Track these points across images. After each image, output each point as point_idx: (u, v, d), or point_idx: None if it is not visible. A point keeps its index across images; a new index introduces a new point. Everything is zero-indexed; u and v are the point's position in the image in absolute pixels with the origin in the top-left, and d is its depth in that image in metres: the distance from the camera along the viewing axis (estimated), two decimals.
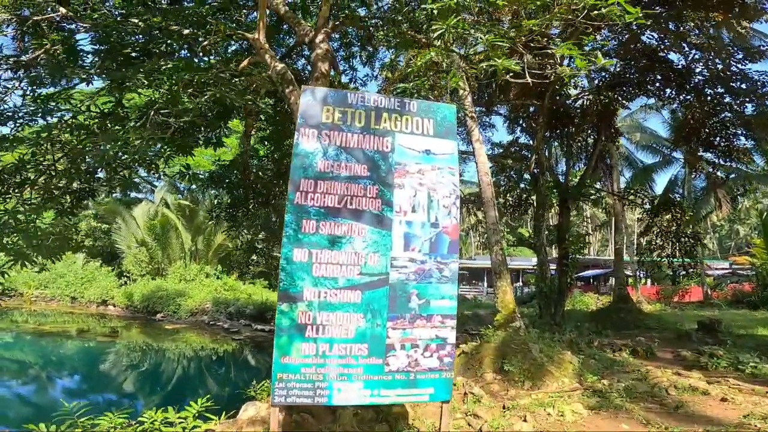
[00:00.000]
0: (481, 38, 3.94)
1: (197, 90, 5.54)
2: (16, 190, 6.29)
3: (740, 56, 11.13)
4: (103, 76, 6.07)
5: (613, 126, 15.14)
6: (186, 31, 6.24)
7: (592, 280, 32.21)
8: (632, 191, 18.08)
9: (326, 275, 3.28)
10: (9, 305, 23.95)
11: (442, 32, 4.09)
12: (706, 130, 13.50)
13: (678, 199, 16.64)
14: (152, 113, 5.33)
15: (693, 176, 19.60)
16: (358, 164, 3.53)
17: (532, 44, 4.42)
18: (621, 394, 5.98)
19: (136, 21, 6.05)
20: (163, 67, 5.42)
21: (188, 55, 6.75)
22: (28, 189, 6.36)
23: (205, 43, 6.24)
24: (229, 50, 8.89)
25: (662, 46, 12.30)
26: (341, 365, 3.19)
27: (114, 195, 29.30)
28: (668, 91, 13.59)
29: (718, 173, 16.91)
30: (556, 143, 17.74)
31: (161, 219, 25.93)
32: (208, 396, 4.91)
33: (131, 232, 26.62)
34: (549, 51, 4.68)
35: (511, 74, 4.09)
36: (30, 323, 20.14)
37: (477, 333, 11.38)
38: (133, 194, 32.63)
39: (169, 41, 6.13)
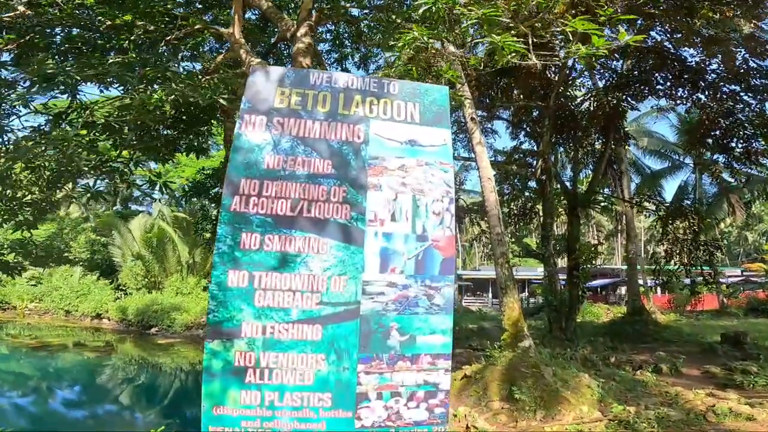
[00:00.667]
0: (474, 11, 3.23)
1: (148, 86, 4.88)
2: None
3: (760, 51, 10.39)
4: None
5: (621, 129, 14.41)
6: (151, 27, 5.61)
7: (599, 290, 31.23)
8: (645, 197, 17.29)
9: (273, 305, 2.52)
10: (2, 318, 23.68)
11: (429, 7, 3.40)
12: (722, 131, 12.76)
13: (689, 205, 15.81)
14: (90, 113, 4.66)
15: (711, 181, 18.76)
16: (320, 159, 2.79)
17: (537, 24, 3.68)
18: (652, 425, 5.20)
19: (95, 16, 5.46)
20: (111, 61, 4.76)
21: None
22: None
23: (171, 37, 5.60)
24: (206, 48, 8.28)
25: (673, 40, 11.60)
26: (297, 419, 2.44)
27: (115, 207, 29.26)
28: (681, 90, 12.89)
29: (733, 178, 16.13)
30: (561, 148, 17.02)
31: (157, 232, 25.38)
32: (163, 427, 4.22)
33: (127, 246, 26.20)
34: (557, 30, 3.97)
35: (513, 55, 3.36)
36: (18, 337, 19.59)
37: (481, 349, 10.59)
38: (134, 206, 32.33)
39: (132, 38, 5.47)
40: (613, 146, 14.38)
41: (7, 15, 5.65)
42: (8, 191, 6.11)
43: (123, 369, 15.14)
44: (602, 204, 15.82)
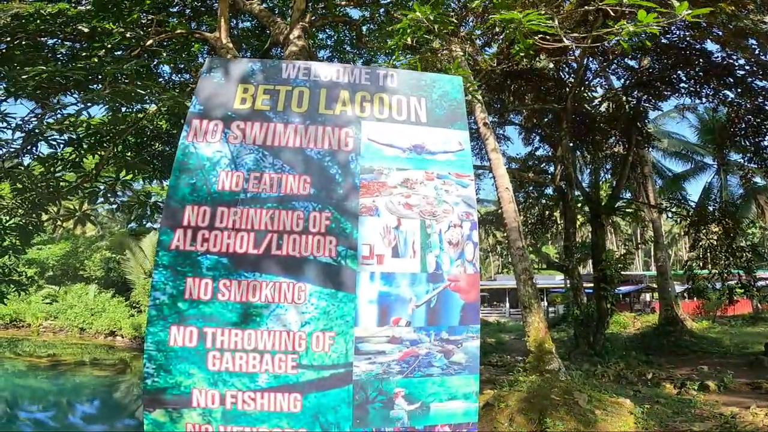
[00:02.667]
0: None
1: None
2: None
3: None
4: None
5: (644, 130, 13.65)
6: (129, 34, 5.15)
7: (623, 297, 29.98)
8: (671, 201, 16.40)
9: (234, 369, 1.91)
10: (17, 335, 23.82)
11: None
12: (752, 129, 11.93)
13: (718, 208, 14.88)
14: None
15: (738, 182, 17.78)
16: (294, 176, 2.16)
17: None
18: None
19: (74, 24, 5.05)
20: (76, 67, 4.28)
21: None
22: None
23: (150, 42, 5.13)
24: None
25: (696, 35, 10.85)
26: None
27: (130, 225, 29.27)
28: (706, 87, 12.10)
29: (764, 179, 15.17)
30: (578, 153, 16.28)
31: None
32: None
33: (139, 264, 26.13)
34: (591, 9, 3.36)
35: (538, 37, 2.74)
36: (33, 354, 19.43)
37: (502, 365, 9.84)
38: (149, 224, 32.32)
39: (108, 45, 5.00)
40: (635, 149, 13.61)
41: None
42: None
43: (137, 386, 14.81)
44: (628, 210, 14.96)
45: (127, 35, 4.84)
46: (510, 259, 11.13)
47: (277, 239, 2.05)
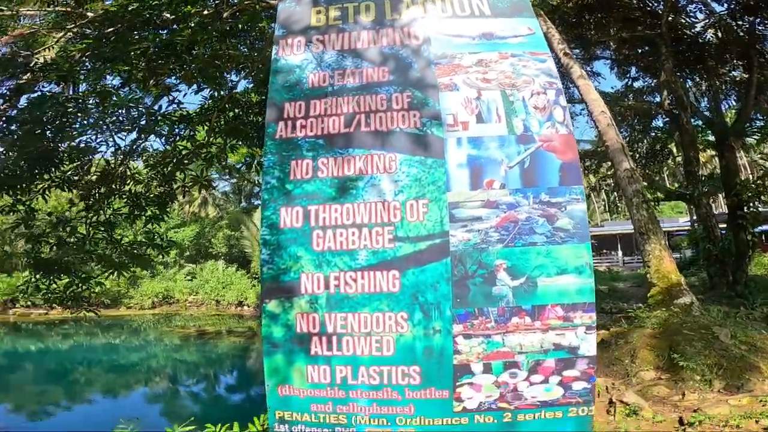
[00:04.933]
0: None
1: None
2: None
3: None
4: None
5: (765, 52, 11.36)
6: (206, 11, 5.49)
7: (765, 237, 25.66)
8: None
9: (335, 248, 2.01)
10: (170, 311, 27.37)
11: None
12: None
13: None
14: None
15: None
16: (373, 68, 2.32)
17: None
18: None
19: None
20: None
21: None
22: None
23: (226, 15, 5.40)
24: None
25: None
26: (376, 402, 1.89)
27: (242, 204, 32.40)
28: None
29: None
30: (689, 82, 14.02)
31: None
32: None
33: (254, 237, 28.57)
34: None
35: None
36: (184, 327, 22.56)
37: (617, 312, 9.06)
38: (256, 202, 35.42)
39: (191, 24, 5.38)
40: (759, 73, 11.38)
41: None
42: (130, 188, 6.60)
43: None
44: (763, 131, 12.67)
45: (204, 13, 5.17)
46: (619, 194, 10.06)
47: (365, 118, 2.21)
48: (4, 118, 5.41)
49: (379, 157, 2.11)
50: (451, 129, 2.10)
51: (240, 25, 5.92)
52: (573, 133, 2.14)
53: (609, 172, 20.37)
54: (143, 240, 6.49)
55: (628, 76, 14.25)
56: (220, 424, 4.24)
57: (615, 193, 31.76)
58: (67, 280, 6.12)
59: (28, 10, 6.80)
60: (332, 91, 2.29)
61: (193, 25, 5.31)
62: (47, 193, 5.79)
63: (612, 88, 15.14)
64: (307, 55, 2.40)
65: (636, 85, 14.40)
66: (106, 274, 6.28)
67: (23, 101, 5.57)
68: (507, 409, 1.89)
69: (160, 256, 7.26)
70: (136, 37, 5.57)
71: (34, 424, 7.69)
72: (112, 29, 5.43)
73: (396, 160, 2.10)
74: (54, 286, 6.05)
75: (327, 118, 2.21)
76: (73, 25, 6.13)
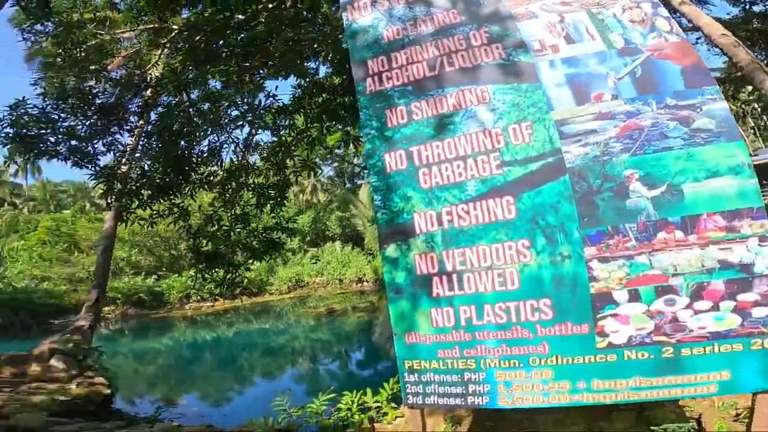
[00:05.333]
0: None
1: None
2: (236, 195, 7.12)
3: None
4: None
5: None
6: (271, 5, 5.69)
7: None
8: None
9: (443, 182, 1.98)
10: (302, 293, 29.62)
11: None
12: None
13: None
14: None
15: None
16: (443, 12, 2.31)
17: None
18: None
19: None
20: None
21: None
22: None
23: (289, 4, 5.56)
24: None
25: None
26: (505, 342, 1.77)
27: (347, 186, 33.91)
28: None
29: None
30: None
31: None
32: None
33: (363, 214, 29.75)
34: None
35: None
36: (315, 307, 24.62)
37: None
38: (359, 181, 36.74)
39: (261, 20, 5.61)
40: None
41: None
42: (253, 180, 7.25)
43: (384, 325, 17.38)
44: None
45: (269, 6, 5.37)
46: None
47: (447, 59, 2.20)
48: (143, 134, 6.28)
49: (471, 90, 2.08)
50: (539, 54, 2.00)
51: (304, 12, 6.03)
52: (686, 39, 1.89)
53: (751, 97, 17.06)
54: (273, 225, 7.14)
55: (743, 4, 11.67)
56: (354, 391, 4.55)
57: (764, 116, 26.49)
58: (223, 270, 6.94)
59: (123, 32, 7.62)
60: (409, 41, 2.34)
61: (263, 19, 5.57)
62: (194, 193, 6.57)
63: (728, 14, 12.32)
64: (376, 13, 2.47)
65: (756, 9, 11.68)
66: (250, 261, 7.00)
67: (153, 116, 6.43)
68: (666, 343, 1.61)
69: (288, 239, 7.90)
70: (220, 42, 6.00)
71: (218, 410, 8.96)
72: (198, 37, 5.91)
73: (488, 90, 2.05)
74: (215, 274, 6.90)
75: (410, 66, 2.26)
76: (165, 40, 6.81)
